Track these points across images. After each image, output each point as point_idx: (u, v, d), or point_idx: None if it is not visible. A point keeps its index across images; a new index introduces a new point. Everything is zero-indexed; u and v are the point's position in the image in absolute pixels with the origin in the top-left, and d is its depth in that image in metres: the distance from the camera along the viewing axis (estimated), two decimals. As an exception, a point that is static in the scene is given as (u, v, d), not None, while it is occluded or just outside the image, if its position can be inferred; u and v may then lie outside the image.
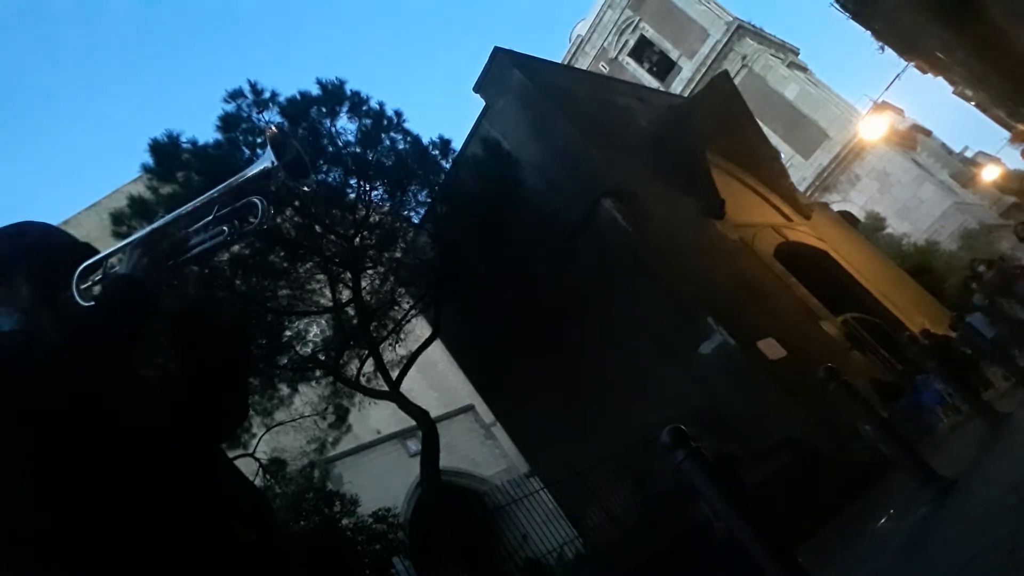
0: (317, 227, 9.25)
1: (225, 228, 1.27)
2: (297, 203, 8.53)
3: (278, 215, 8.62)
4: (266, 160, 1.25)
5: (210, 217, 1.30)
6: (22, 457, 1.08)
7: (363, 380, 9.82)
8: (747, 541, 3.02)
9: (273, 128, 1.30)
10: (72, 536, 1.07)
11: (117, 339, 1.19)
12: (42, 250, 1.38)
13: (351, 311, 9.54)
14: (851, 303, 12.51)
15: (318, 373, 10.03)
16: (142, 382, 1.31)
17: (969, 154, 33.93)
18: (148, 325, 1.24)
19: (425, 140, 9.92)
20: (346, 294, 9.53)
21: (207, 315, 1.41)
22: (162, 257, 1.26)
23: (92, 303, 1.25)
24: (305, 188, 1.33)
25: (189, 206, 1.31)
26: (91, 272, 1.32)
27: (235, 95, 8.78)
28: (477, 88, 12.00)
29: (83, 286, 1.30)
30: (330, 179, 9.34)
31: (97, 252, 1.37)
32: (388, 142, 9.57)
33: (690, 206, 11.05)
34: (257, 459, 10.52)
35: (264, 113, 8.92)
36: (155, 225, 1.32)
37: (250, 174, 1.27)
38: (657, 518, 7.20)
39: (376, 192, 9.72)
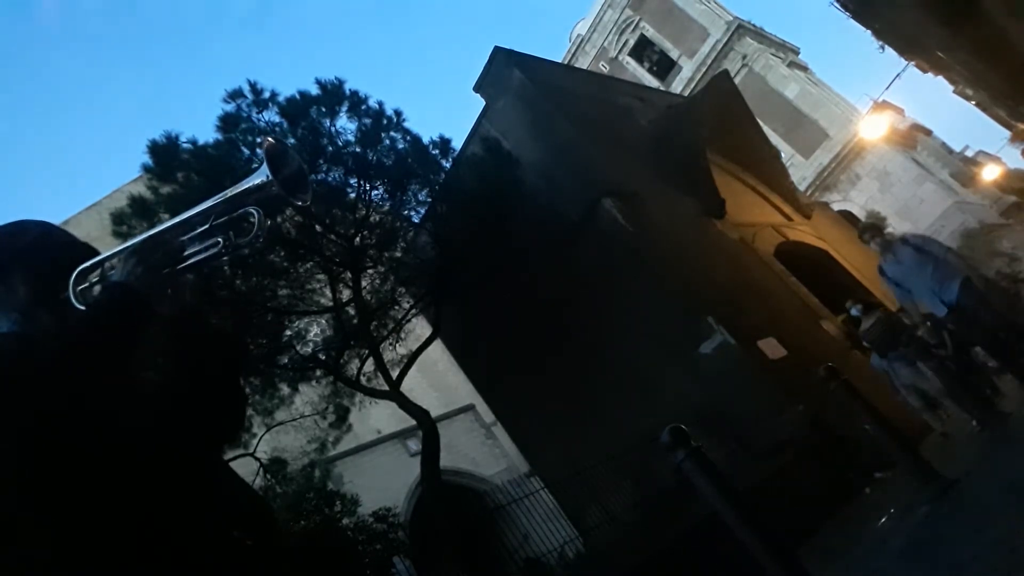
0: (317, 227, 9.25)
1: (220, 239, 1.27)
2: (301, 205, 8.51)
3: (278, 214, 8.61)
4: (261, 174, 1.23)
5: (206, 226, 1.29)
6: (20, 458, 1.07)
7: (363, 380, 9.82)
8: (747, 541, 3.02)
9: (271, 140, 1.28)
10: (71, 537, 1.07)
11: (110, 345, 1.18)
12: (41, 249, 1.37)
13: (351, 311, 9.54)
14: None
15: (318, 373, 10.02)
16: (141, 384, 1.31)
17: (969, 153, 33.92)
18: (144, 332, 1.23)
19: (425, 139, 9.92)
20: (346, 294, 9.53)
21: (202, 322, 1.40)
22: (157, 266, 1.25)
23: (87, 307, 1.25)
24: (299, 203, 1.30)
25: (185, 215, 1.31)
26: (89, 273, 1.32)
27: (235, 95, 8.76)
28: (477, 88, 12.00)
29: (80, 287, 1.29)
30: (330, 179, 9.34)
31: (97, 252, 1.37)
32: (388, 141, 9.56)
33: (690, 206, 11.04)
34: (257, 459, 10.52)
35: (264, 113, 8.90)
36: (151, 233, 1.31)
37: (244, 187, 1.25)
38: (657, 518, 7.20)
39: (376, 192, 9.72)
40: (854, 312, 8.64)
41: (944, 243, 6.46)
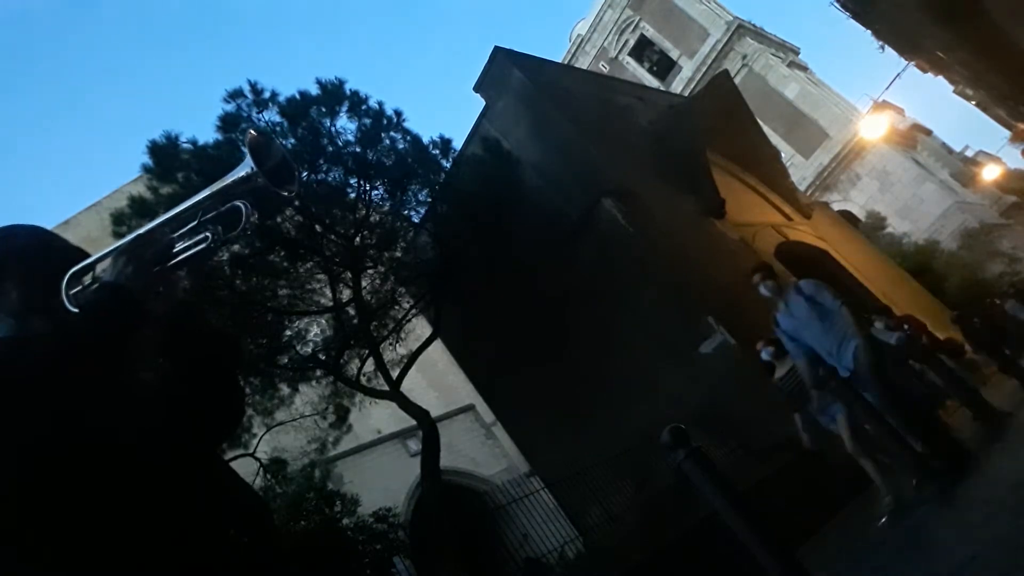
0: (317, 227, 9.25)
1: (209, 234, 1.27)
2: (297, 203, 8.54)
3: (278, 215, 8.62)
4: (246, 166, 1.23)
5: (195, 223, 1.29)
6: (18, 460, 1.07)
7: (363, 380, 9.82)
8: (747, 541, 3.02)
9: (253, 133, 1.28)
10: (70, 537, 1.07)
11: (103, 346, 1.18)
12: (33, 254, 1.37)
13: (351, 311, 9.54)
14: (852, 302, 12.50)
15: (318, 373, 10.02)
16: (138, 384, 1.31)
17: (969, 153, 34.00)
18: (137, 331, 1.23)
19: (425, 139, 9.92)
20: (346, 294, 9.53)
21: (198, 320, 1.40)
22: (147, 264, 1.25)
23: (79, 309, 1.25)
24: (285, 194, 1.29)
25: (173, 211, 1.31)
26: (81, 276, 1.31)
27: (235, 95, 8.77)
28: (477, 88, 12.00)
29: (73, 290, 1.29)
30: (330, 179, 9.34)
31: (88, 255, 1.37)
32: (388, 141, 9.56)
33: (690, 206, 11.05)
34: (258, 459, 10.51)
35: (264, 113, 8.91)
36: (139, 232, 1.31)
37: (230, 180, 1.26)
38: (657, 518, 7.20)
39: (376, 192, 9.72)
40: (764, 356, 6.84)
41: (836, 294, 5.53)
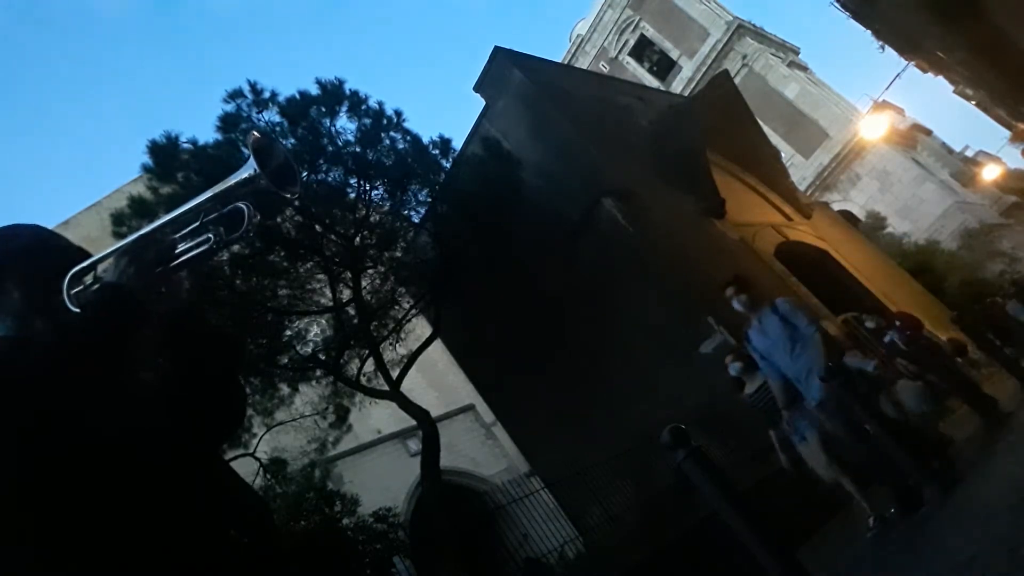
0: (317, 227, 9.25)
1: (211, 235, 1.26)
2: (297, 203, 8.54)
3: (278, 215, 8.62)
4: (249, 168, 1.23)
5: (197, 223, 1.28)
6: (18, 461, 1.07)
7: (363, 380, 9.82)
8: (747, 541, 3.02)
9: (256, 134, 1.27)
10: (70, 537, 1.07)
11: (103, 346, 1.18)
12: (34, 254, 1.36)
13: (351, 311, 9.54)
14: (852, 302, 12.52)
15: (318, 373, 10.02)
16: (139, 384, 1.31)
17: (970, 153, 33.96)
18: (138, 332, 1.23)
19: (425, 139, 9.93)
20: (346, 294, 9.54)
21: (199, 320, 1.40)
22: (148, 265, 1.25)
23: (81, 309, 1.24)
24: (288, 196, 1.28)
25: (175, 212, 1.30)
26: (82, 276, 1.31)
27: (235, 95, 8.78)
28: (477, 88, 12.01)
29: (75, 290, 1.28)
30: (330, 179, 9.34)
31: (89, 255, 1.36)
32: (388, 141, 9.57)
33: (690, 205, 11.05)
34: (258, 459, 10.51)
35: (264, 113, 8.92)
36: (142, 232, 1.31)
37: (233, 182, 1.25)
38: (657, 518, 7.20)
39: (376, 192, 9.73)
40: (733, 371, 6.55)
41: (812, 317, 5.36)
